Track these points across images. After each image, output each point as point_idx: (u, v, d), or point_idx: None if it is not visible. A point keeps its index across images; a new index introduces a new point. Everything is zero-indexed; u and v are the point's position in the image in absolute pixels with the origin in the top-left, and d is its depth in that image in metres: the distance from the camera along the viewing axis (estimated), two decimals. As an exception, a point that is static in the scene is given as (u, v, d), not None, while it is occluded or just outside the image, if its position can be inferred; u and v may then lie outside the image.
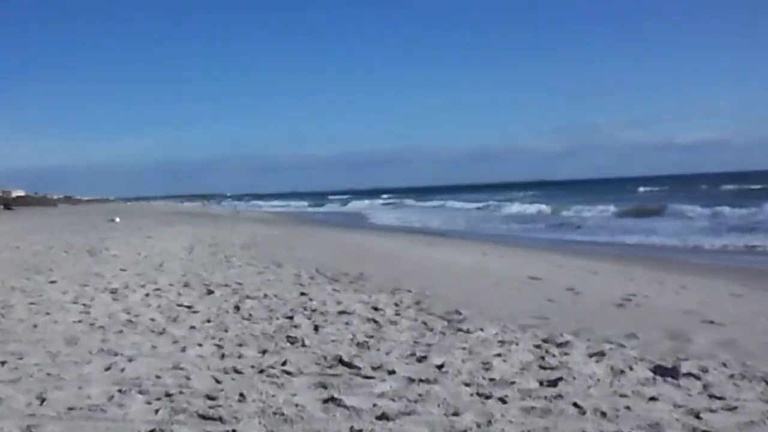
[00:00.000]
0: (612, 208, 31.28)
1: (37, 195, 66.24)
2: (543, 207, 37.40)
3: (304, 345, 5.05)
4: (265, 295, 7.38)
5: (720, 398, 3.77)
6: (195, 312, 6.44)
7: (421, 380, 4.10)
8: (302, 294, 7.51)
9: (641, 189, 59.89)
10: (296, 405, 3.65)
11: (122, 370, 4.32)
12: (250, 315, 6.27)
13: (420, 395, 3.83)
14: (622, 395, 3.82)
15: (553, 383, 4.04)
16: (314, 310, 6.49)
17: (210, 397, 3.76)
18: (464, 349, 4.93)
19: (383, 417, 3.47)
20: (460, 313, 6.33)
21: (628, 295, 7.49)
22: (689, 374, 4.19)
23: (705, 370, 4.27)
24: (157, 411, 3.55)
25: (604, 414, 3.50)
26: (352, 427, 3.33)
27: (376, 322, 5.95)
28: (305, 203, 77.24)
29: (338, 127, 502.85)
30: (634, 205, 32.72)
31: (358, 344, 5.09)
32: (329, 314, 6.30)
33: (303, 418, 3.47)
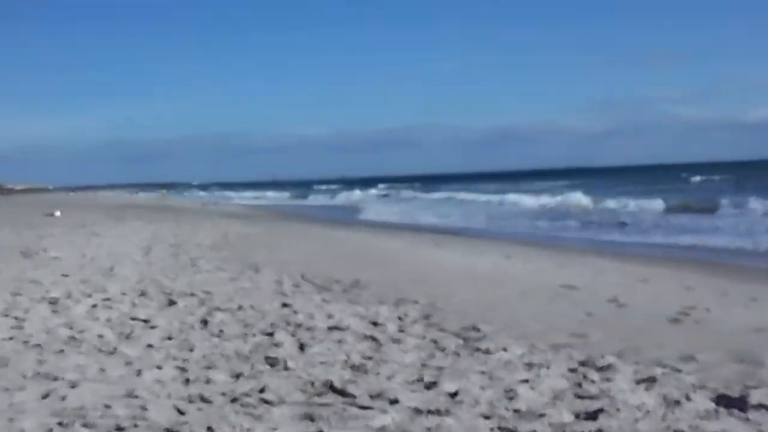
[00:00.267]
0: (663, 202, 31.28)
1: (-47, 184, 66.12)
2: (580, 199, 37.41)
3: (286, 368, 5.06)
4: (239, 307, 7.39)
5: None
6: (153, 327, 6.45)
7: (429, 411, 4.11)
8: (284, 305, 7.52)
9: (700, 178, 59.98)
10: (277, 442, 3.65)
11: (63, 398, 4.32)
12: (221, 331, 6.28)
13: (429, 429, 3.83)
14: (677, 431, 3.82)
15: (592, 416, 4.05)
16: (299, 325, 6.50)
17: (171, 432, 3.76)
18: (483, 373, 4.94)
19: (384, 457, 3.47)
20: (479, 330, 6.35)
21: (684, 309, 7.49)
22: (760, 405, 4.19)
23: (779, 401, 4.27)
24: (105, 448, 3.55)
25: (655, 454, 3.50)
26: (345, 470, 3.34)
27: (375, 339, 5.97)
28: (286, 194, 77.22)
29: (329, 100, 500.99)
30: (690, 198, 32.73)
31: (352, 367, 5.10)
32: (318, 330, 6.31)
33: (285, 457, 3.47)
